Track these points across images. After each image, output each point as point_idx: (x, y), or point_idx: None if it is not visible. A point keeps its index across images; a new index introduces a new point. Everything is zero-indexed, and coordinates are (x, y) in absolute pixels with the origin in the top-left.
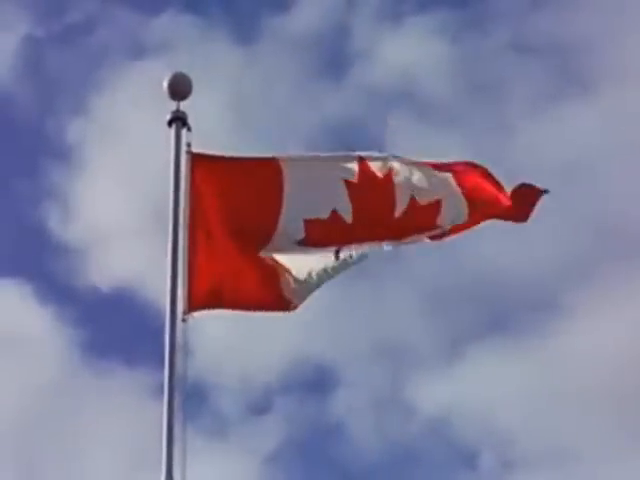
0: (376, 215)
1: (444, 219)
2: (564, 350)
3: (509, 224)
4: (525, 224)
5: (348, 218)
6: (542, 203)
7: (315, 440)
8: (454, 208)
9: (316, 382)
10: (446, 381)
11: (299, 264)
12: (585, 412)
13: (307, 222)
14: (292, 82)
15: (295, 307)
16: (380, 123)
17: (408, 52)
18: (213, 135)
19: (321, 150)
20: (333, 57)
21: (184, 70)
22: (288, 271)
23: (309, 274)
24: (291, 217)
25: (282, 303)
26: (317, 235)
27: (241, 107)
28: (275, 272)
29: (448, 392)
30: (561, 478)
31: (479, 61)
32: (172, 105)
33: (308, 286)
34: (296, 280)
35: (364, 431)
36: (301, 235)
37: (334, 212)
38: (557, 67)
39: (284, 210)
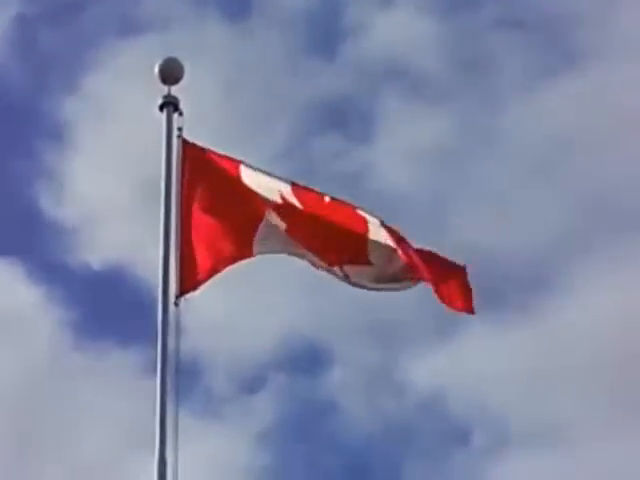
0: (313, 202)
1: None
2: (557, 327)
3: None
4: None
5: (297, 204)
6: (532, 179)
7: (308, 418)
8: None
9: (309, 360)
10: (439, 358)
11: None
12: (578, 389)
13: (275, 207)
14: (284, 59)
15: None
16: (371, 100)
17: (399, 28)
18: (205, 112)
19: (312, 128)
20: (324, 34)
21: (175, 47)
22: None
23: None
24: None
25: (249, 249)
26: (293, 225)
27: (233, 84)
28: (256, 220)
29: (441, 369)
30: (554, 456)
31: (469, 37)
32: (164, 89)
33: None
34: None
35: (357, 408)
36: (283, 225)
37: (282, 196)
38: (547, 42)
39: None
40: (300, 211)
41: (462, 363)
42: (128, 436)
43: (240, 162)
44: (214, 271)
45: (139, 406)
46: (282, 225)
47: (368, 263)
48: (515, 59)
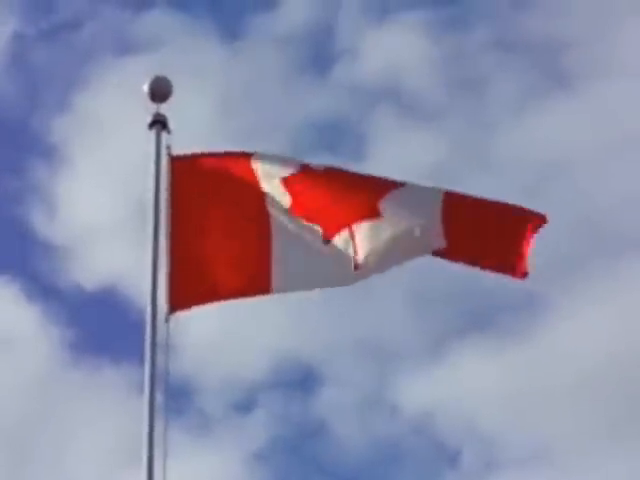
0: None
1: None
2: (547, 348)
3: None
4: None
5: (317, 168)
6: (525, 200)
7: (299, 438)
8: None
9: (300, 380)
10: (429, 380)
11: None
12: (568, 411)
13: (284, 180)
14: (277, 79)
15: (275, 291)
16: (364, 120)
17: (392, 50)
18: (197, 131)
19: (305, 148)
20: (318, 54)
21: (169, 66)
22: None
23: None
24: (270, 183)
25: (266, 286)
26: (301, 199)
27: (226, 103)
28: (267, 254)
29: (431, 391)
30: (544, 477)
31: (463, 59)
32: (154, 107)
33: (306, 280)
34: (294, 268)
35: (348, 429)
36: (288, 202)
37: (302, 164)
38: (540, 64)
39: (265, 190)
40: (307, 182)
41: (453, 384)
42: (120, 453)
43: (249, 156)
44: (215, 297)
45: (133, 423)
46: (286, 202)
47: (377, 215)
48: (508, 80)
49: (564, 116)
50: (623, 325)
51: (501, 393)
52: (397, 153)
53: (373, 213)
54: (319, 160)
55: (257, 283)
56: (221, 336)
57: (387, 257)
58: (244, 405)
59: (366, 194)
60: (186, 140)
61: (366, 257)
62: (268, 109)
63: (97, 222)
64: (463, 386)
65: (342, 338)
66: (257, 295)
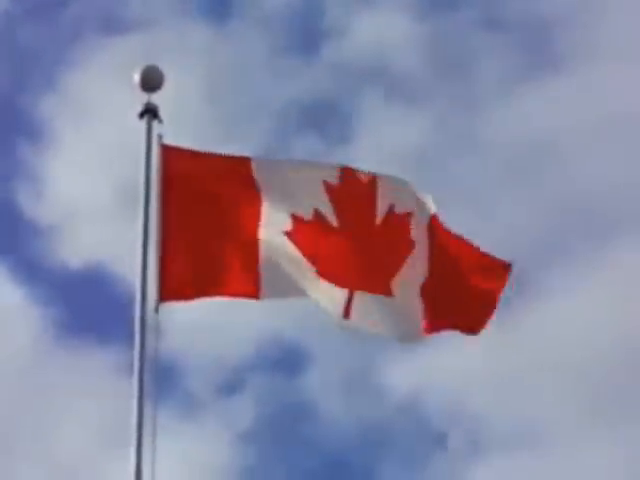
0: (358, 220)
1: (414, 234)
2: (533, 330)
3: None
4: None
5: (332, 221)
6: (511, 182)
7: (286, 419)
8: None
9: (286, 361)
10: (416, 361)
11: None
12: (556, 393)
13: (294, 217)
14: (264, 60)
15: (263, 297)
16: (351, 100)
17: (379, 29)
18: (184, 113)
19: (291, 128)
20: (305, 35)
21: (157, 47)
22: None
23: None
24: (275, 208)
25: (254, 289)
26: (303, 236)
27: (213, 85)
28: (255, 257)
29: (418, 372)
30: (531, 458)
31: (450, 38)
32: (145, 96)
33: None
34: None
35: (334, 410)
36: (288, 226)
37: (316, 211)
38: (527, 44)
39: (265, 204)
40: (332, 230)
41: (439, 366)
42: (107, 435)
43: (250, 160)
44: (203, 294)
45: (120, 404)
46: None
47: (389, 294)
48: (495, 60)
49: (551, 97)
50: (608, 308)
51: (488, 375)
52: (383, 133)
53: (385, 290)
54: (307, 141)
55: (245, 287)
56: (206, 317)
57: (380, 325)
58: (230, 386)
59: (381, 266)
60: (173, 122)
61: (359, 316)
62: (254, 89)
63: (83, 202)
64: (449, 368)
65: (328, 318)
66: (245, 298)
